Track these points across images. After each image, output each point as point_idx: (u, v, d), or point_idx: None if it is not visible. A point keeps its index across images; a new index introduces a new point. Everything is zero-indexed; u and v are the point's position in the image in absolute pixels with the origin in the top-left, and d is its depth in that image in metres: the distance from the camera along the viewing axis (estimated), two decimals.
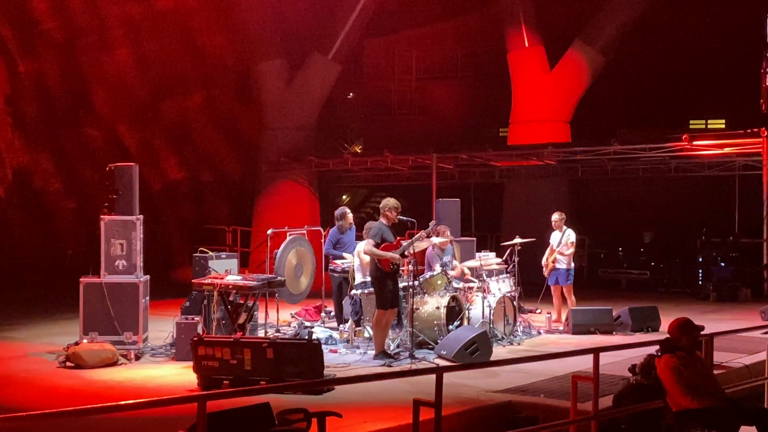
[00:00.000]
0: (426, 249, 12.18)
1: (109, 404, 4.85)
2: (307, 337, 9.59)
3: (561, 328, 13.10)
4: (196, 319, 10.68)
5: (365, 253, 10.61)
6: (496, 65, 25.49)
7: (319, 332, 11.69)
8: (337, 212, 12.86)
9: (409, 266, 10.71)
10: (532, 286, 14.78)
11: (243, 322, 10.20)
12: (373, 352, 10.45)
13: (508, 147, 23.16)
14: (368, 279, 10.94)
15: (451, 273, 12.12)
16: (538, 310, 14.50)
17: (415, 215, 11.25)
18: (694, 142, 19.22)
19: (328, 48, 25.47)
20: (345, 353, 10.86)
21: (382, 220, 10.56)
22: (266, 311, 11.77)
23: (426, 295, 11.29)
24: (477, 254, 12.81)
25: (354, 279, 11.75)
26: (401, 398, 7.77)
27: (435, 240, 11.91)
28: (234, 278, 10.41)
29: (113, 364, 10.13)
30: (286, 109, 25.66)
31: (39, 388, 9.16)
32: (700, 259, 18.89)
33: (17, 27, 26.24)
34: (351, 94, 29.63)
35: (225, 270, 11.01)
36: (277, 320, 12.46)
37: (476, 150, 22.38)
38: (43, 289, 19.55)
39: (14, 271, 24.77)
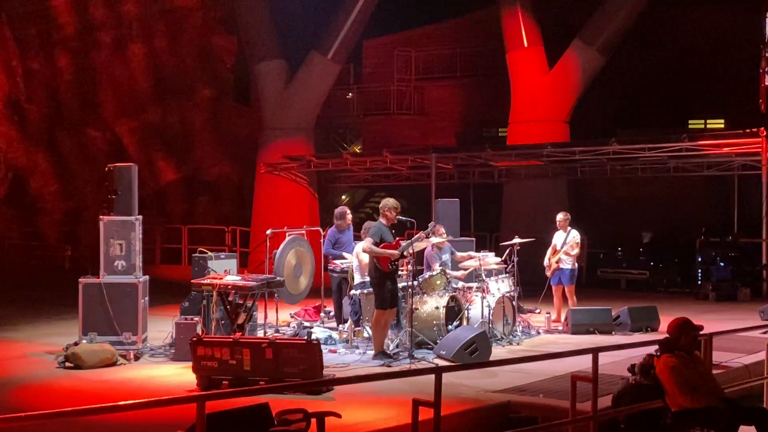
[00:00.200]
0: (424, 249, 12.17)
1: (108, 405, 4.84)
2: (306, 338, 9.58)
3: (560, 328, 13.11)
4: (195, 319, 10.67)
5: (365, 251, 10.61)
6: (496, 65, 25.50)
7: (319, 332, 11.68)
8: (337, 211, 12.85)
9: (408, 266, 10.72)
10: (531, 286, 14.78)
11: (242, 323, 10.20)
12: (373, 352, 10.45)
13: (507, 147, 23.16)
14: (367, 279, 10.94)
15: (454, 274, 12.15)
16: (537, 310, 14.50)
17: (415, 215, 11.26)
18: (693, 143, 19.24)
19: (327, 48, 25.47)
20: (344, 353, 10.87)
21: (382, 220, 10.56)
22: (265, 311, 11.76)
23: (425, 295, 11.29)
24: (476, 254, 12.78)
25: (353, 279, 11.75)
26: (400, 398, 7.77)
27: (434, 240, 11.91)
28: (233, 278, 10.41)
29: (112, 364, 10.13)
30: (286, 109, 25.66)
31: (38, 389, 9.16)
32: (699, 259, 18.89)
33: (17, 27, 26.25)
34: (350, 94, 29.62)
35: (224, 270, 11.01)
36: (277, 320, 12.46)
37: (475, 150, 22.38)
38: (43, 290, 19.53)
39: (14, 272, 24.78)
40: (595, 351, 6.98)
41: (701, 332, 7.27)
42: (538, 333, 12.79)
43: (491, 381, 9.15)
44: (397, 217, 10.58)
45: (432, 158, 21.81)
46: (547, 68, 23.82)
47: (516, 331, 12.26)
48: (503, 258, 12.81)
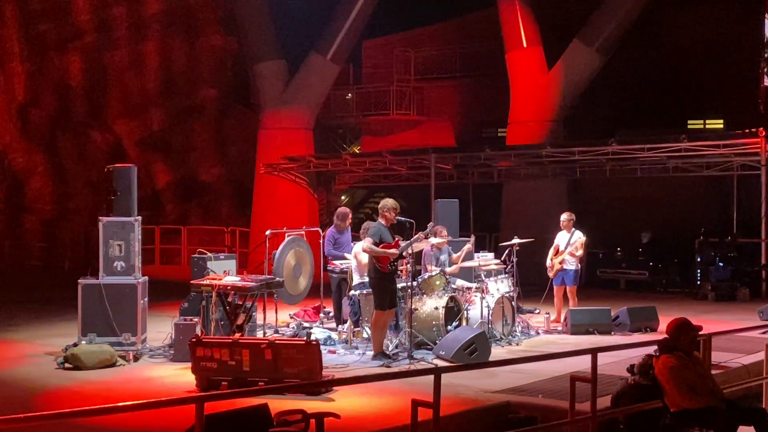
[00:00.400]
0: (423, 249, 12.17)
1: (107, 406, 4.85)
2: (305, 338, 9.58)
3: (560, 328, 13.10)
4: (194, 320, 10.67)
5: (364, 251, 10.61)
6: (495, 66, 25.51)
7: (318, 333, 11.68)
8: (339, 212, 12.82)
9: (408, 267, 10.72)
10: (530, 286, 14.79)
11: (241, 323, 10.20)
12: (372, 352, 10.45)
13: (506, 147, 23.16)
14: (366, 280, 10.94)
15: (449, 269, 12.16)
16: (537, 311, 14.50)
17: (414, 216, 11.25)
18: (693, 143, 19.24)
19: (326, 49, 25.48)
20: (343, 354, 10.87)
21: (381, 220, 10.56)
22: (265, 312, 11.76)
23: (424, 296, 11.29)
24: (476, 254, 12.80)
25: (352, 279, 11.76)
26: (400, 399, 7.77)
27: (433, 240, 11.91)
28: (232, 279, 10.40)
29: (112, 365, 10.12)
30: (285, 109, 25.67)
31: (37, 390, 9.15)
32: (699, 259, 18.89)
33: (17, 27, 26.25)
34: (349, 94, 29.62)
35: (223, 271, 11.01)
36: (276, 321, 12.47)
37: (474, 150, 22.39)
38: (43, 291, 19.52)
39: (14, 272, 24.77)
40: (594, 351, 6.98)
41: (700, 332, 7.28)
42: (538, 333, 12.79)
43: (490, 381, 9.15)
44: (397, 217, 10.58)
45: (431, 158, 21.82)
46: (546, 68, 23.82)
47: (515, 331, 12.27)
48: (502, 258, 12.81)
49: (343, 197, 29.63)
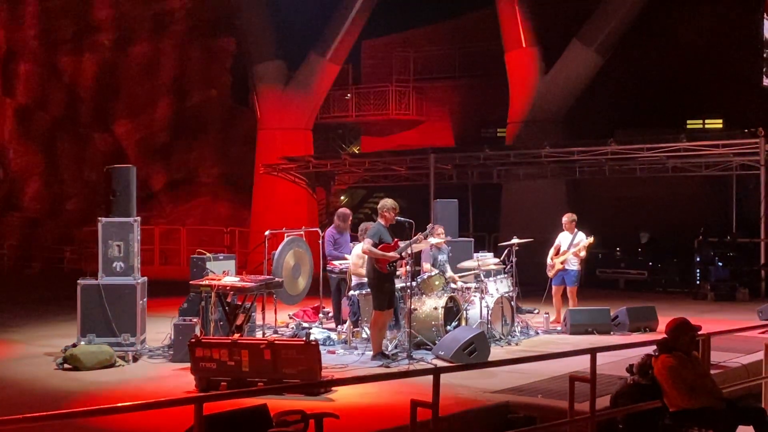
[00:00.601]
0: (423, 250, 12.17)
1: (106, 406, 4.85)
2: (304, 338, 9.58)
3: (559, 328, 13.10)
4: (193, 320, 10.67)
5: (364, 252, 10.61)
6: (494, 66, 25.51)
7: (317, 333, 11.68)
8: (340, 212, 12.81)
9: (407, 267, 10.71)
10: (530, 286, 14.79)
11: (241, 324, 10.19)
12: (371, 353, 10.45)
13: (505, 147, 23.16)
14: (365, 280, 10.94)
15: (448, 274, 12.15)
16: (536, 311, 14.49)
17: (413, 216, 11.25)
18: (692, 143, 19.25)
19: (325, 49, 25.48)
20: (343, 354, 10.87)
21: (380, 221, 10.56)
22: (264, 312, 11.76)
23: (424, 296, 11.29)
24: (475, 255, 12.80)
25: (351, 280, 11.76)
26: (399, 399, 7.77)
27: (432, 240, 11.91)
28: (232, 279, 10.40)
29: (111, 365, 10.12)
30: (284, 110, 25.67)
31: (37, 391, 9.15)
32: (698, 259, 18.89)
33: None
34: (349, 94, 29.63)
35: (223, 271, 11.00)
36: (275, 321, 12.46)
37: (474, 150, 22.39)
38: (42, 291, 19.52)
39: (13, 273, 24.78)
40: (593, 351, 6.98)
41: (699, 332, 7.28)
42: (537, 333, 12.79)
43: (490, 381, 9.15)
44: (396, 217, 10.58)
45: (431, 159, 21.83)
46: (545, 69, 23.83)
47: (515, 331, 12.27)
48: (502, 258, 12.81)
49: (342, 197, 29.63)
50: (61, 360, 10.16)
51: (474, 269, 12.26)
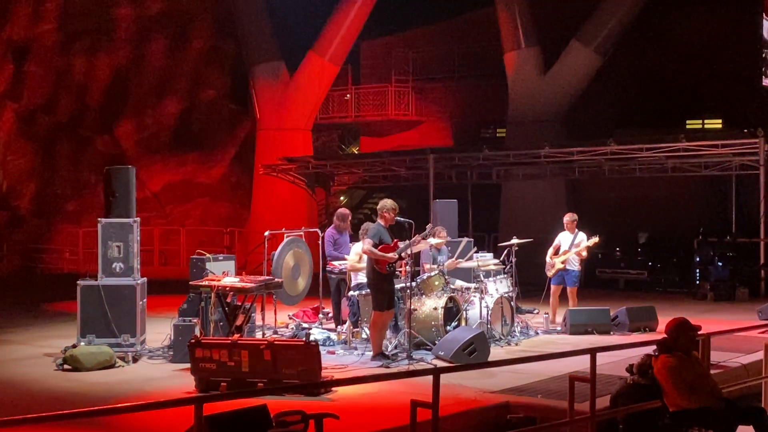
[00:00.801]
0: (422, 250, 12.18)
1: (106, 407, 4.85)
2: (304, 339, 9.58)
3: (558, 328, 13.10)
4: (193, 321, 10.66)
5: (364, 252, 10.61)
6: (493, 66, 25.52)
7: (317, 334, 11.68)
8: (339, 213, 12.81)
9: (407, 267, 10.71)
10: (529, 286, 14.78)
11: (240, 324, 10.19)
12: (371, 353, 10.45)
13: (505, 147, 23.17)
14: (364, 281, 10.94)
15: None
16: (536, 311, 14.49)
17: (413, 216, 11.25)
18: (691, 143, 19.25)
19: (325, 49, 25.48)
20: (343, 354, 10.87)
21: (380, 221, 10.56)
22: (263, 313, 11.76)
23: (423, 296, 11.29)
24: (475, 255, 12.79)
25: (351, 280, 11.76)
26: (399, 399, 7.77)
27: (432, 241, 11.92)
28: (231, 280, 10.40)
29: (111, 366, 10.12)
30: (283, 110, 25.68)
31: (36, 391, 9.15)
32: (698, 259, 18.90)
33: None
34: (348, 95, 29.64)
35: (222, 272, 11.00)
36: (275, 322, 12.46)
37: (473, 151, 22.40)
38: (42, 292, 19.51)
39: (13, 274, 24.77)
40: (593, 351, 6.98)
41: (699, 332, 7.28)
42: (537, 333, 12.78)
43: (490, 381, 9.15)
44: (396, 218, 10.58)
45: (430, 159, 21.84)
46: (544, 69, 23.84)
47: (514, 331, 12.27)
48: (501, 258, 12.81)
49: (341, 198, 29.63)
50: (61, 361, 10.16)
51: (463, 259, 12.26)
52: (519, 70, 24.01)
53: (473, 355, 10.08)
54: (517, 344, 11.85)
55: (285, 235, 12.75)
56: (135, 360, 10.51)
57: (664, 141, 19.63)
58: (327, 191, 27.93)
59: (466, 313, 11.62)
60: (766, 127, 18.59)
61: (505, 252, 12.75)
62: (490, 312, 11.58)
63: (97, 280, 10.74)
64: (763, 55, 22.27)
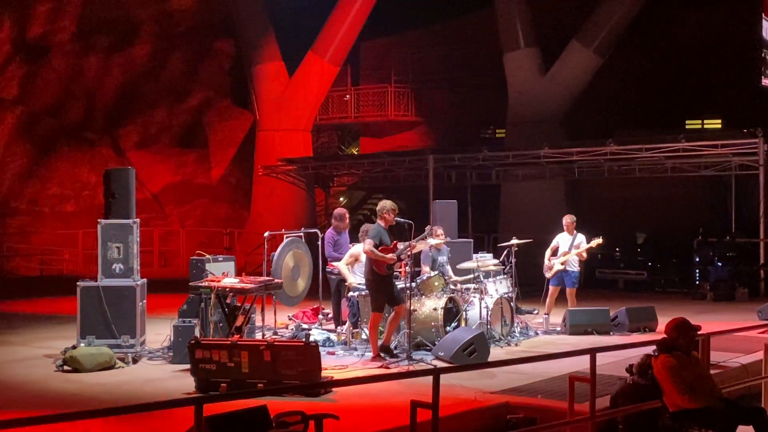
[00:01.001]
0: (422, 251, 12.17)
1: (106, 408, 4.85)
2: (304, 340, 9.58)
3: (558, 329, 13.09)
4: (193, 322, 10.66)
5: (365, 252, 10.61)
6: (492, 67, 25.54)
7: (317, 334, 11.68)
8: (336, 213, 12.83)
9: (407, 268, 10.71)
10: (529, 287, 14.77)
11: (240, 325, 10.19)
12: (371, 353, 10.45)
13: (504, 148, 23.18)
14: (362, 281, 10.95)
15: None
16: (536, 311, 14.48)
17: (413, 217, 11.25)
18: (691, 143, 19.26)
19: (324, 50, 25.49)
20: (342, 355, 10.87)
21: (380, 222, 10.56)
22: (263, 314, 11.76)
23: (423, 297, 11.30)
24: (474, 255, 12.79)
25: (348, 278, 11.75)
26: (399, 400, 7.77)
27: (432, 241, 11.91)
28: (231, 281, 10.40)
29: (111, 367, 10.12)
30: (283, 110, 25.69)
31: (36, 393, 9.15)
32: (697, 259, 18.90)
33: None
34: (348, 95, 29.65)
35: (222, 273, 11.00)
36: (275, 323, 12.46)
37: (472, 152, 22.40)
38: (41, 293, 19.51)
39: (12, 275, 24.76)
40: (593, 351, 6.98)
41: (699, 332, 7.28)
42: (537, 334, 12.78)
43: (489, 382, 9.15)
44: (395, 219, 10.58)
45: (429, 160, 21.85)
46: (544, 69, 23.85)
47: (514, 332, 12.27)
48: (501, 259, 12.81)
49: (341, 199, 29.65)
50: (61, 362, 10.16)
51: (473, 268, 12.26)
52: (518, 71, 24.02)
53: (473, 355, 10.08)
54: (516, 345, 11.85)
55: (285, 236, 12.75)
56: (135, 361, 10.51)
57: (663, 141, 19.63)
58: (326, 192, 27.94)
59: (466, 314, 11.62)
60: (765, 127, 18.59)
61: (505, 252, 12.75)
62: (489, 312, 11.58)
63: (97, 281, 10.73)
64: (763, 55, 22.28)
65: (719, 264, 18.47)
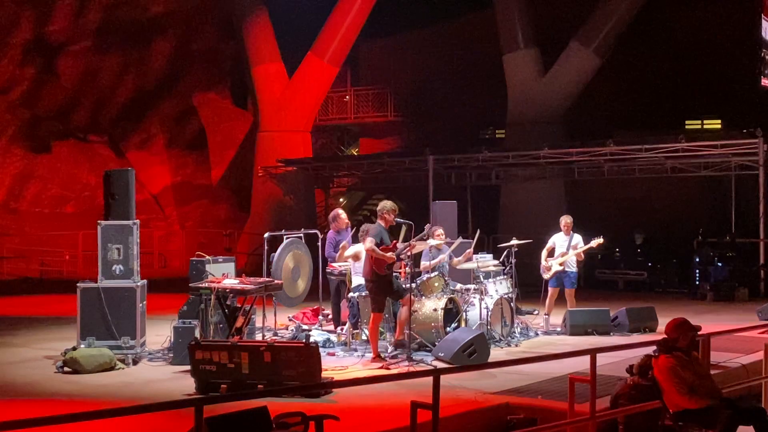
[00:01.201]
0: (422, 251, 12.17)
1: (106, 409, 4.84)
2: (304, 341, 9.58)
3: (558, 329, 13.09)
4: (193, 323, 10.66)
5: (366, 251, 10.60)
6: (492, 67, 25.55)
7: (317, 335, 11.68)
8: (330, 215, 12.90)
9: (407, 269, 10.71)
10: (529, 287, 14.77)
11: (240, 326, 10.19)
12: (371, 354, 10.45)
13: (504, 149, 23.18)
14: (362, 280, 10.95)
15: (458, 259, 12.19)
16: (536, 311, 14.47)
17: (413, 218, 11.25)
18: (690, 143, 19.26)
19: (324, 51, 25.49)
20: (343, 356, 10.87)
21: (380, 222, 10.56)
22: (263, 315, 11.76)
23: (423, 297, 11.30)
24: (474, 256, 12.78)
25: (351, 282, 11.76)
26: (399, 401, 7.77)
27: (432, 242, 11.92)
28: (231, 282, 10.39)
29: (111, 369, 10.12)
30: (283, 111, 25.69)
31: (37, 394, 9.14)
32: (697, 260, 18.90)
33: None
34: (347, 96, 29.65)
35: (222, 274, 10.99)
36: (275, 324, 12.46)
37: (472, 152, 22.41)
38: (41, 294, 19.52)
39: (12, 276, 24.76)
40: (593, 352, 6.98)
41: (699, 332, 7.28)
42: (537, 334, 12.78)
43: (489, 382, 9.15)
44: (395, 219, 10.58)
45: (429, 160, 21.85)
46: (543, 70, 23.86)
47: (514, 332, 12.26)
48: (501, 259, 12.80)
49: (341, 199, 29.65)
50: (61, 363, 10.16)
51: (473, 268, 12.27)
52: (518, 72, 24.02)
53: (473, 356, 10.08)
54: (517, 345, 11.85)
55: (284, 237, 12.75)
56: (135, 362, 10.51)
57: (663, 141, 19.65)
58: (326, 193, 27.94)
59: (466, 314, 11.62)
60: (765, 127, 18.60)
61: (505, 253, 12.74)
62: (489, 313, 11.58)
63: (97, 282, 10.73)
64: (763, 56, 22.29)
65: (719, 264, 18.48)
